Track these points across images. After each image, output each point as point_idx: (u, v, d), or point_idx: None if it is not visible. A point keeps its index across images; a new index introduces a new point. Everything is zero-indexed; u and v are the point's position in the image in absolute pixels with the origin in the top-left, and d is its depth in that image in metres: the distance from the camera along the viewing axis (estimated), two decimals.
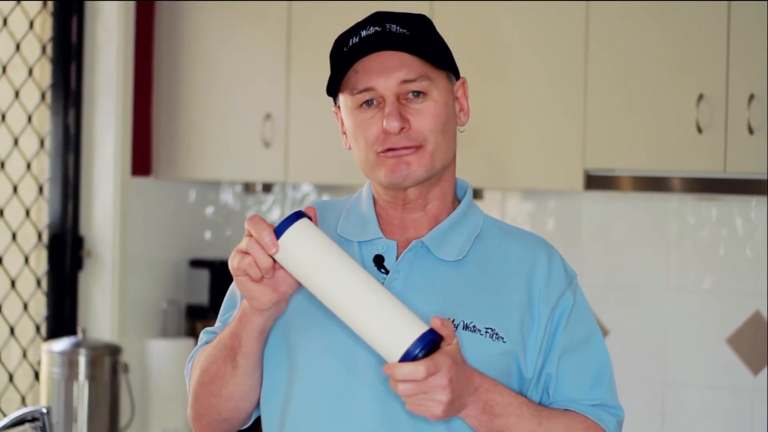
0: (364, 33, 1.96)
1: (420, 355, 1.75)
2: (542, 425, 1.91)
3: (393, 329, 1.77)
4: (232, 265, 1.86)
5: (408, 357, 1.75)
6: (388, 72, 1.94)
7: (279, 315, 1.94)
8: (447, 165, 2.00)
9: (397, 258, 1.99)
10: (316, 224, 1.86)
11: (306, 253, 1.81)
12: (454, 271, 1.98)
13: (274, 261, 1.84)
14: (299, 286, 1.89)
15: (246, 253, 1.84)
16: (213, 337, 2.09)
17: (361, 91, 1.95)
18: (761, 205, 3.50)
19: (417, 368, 1.74)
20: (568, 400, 1.97)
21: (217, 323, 2.11)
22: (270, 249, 1.82)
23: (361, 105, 1.96)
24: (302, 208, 1.86)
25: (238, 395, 2.00)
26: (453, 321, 1.93)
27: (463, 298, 1.95)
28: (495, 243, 2.02)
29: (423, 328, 1.76)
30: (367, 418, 1.92)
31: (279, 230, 1.82)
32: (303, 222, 1.82)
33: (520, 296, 1.97)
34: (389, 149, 1.94)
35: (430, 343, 1.75)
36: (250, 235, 1.84)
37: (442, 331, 1.77)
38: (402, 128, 1.93)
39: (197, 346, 2.12)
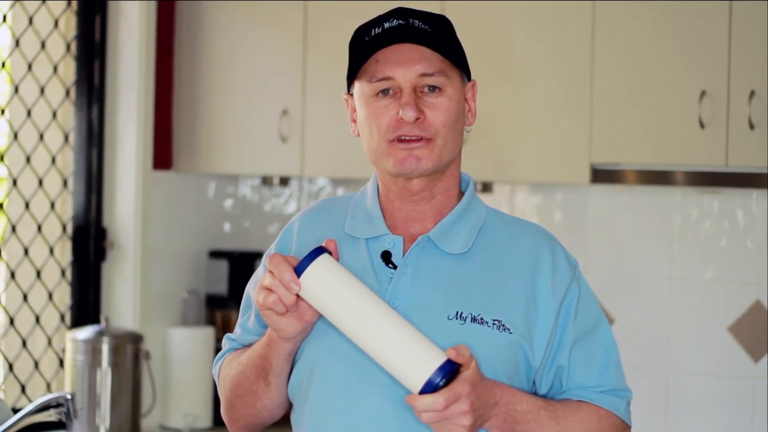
0: (387, 25, 1.98)
1: (440, 384, 1.79)
2: (559, 425, 1.95)
3: (413, 361, 1.81)
4: (258, 300, 1.89)
5: (428, 388, 1.79)
6: (408, 64, 1.96)
7: (306, 336, 1.98)
8: (453, 160, 2.02)
9: (404, 253, 2.01)
10: (336, 257, 1.89)
11: (326, 289, 1.86)
12: (460, 264, 2.00)
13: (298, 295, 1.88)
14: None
15: (270, 290, 1.88)
16: (236, 345, 2.12)
17: (380, 80, 1.97)
18: (762, 198, 3.51)
19: (437, 400, 1.78)
20: (578, 387, 2.01)
21: (237, 329, 2.13)
22: (292, 289, 1.86)
23: (378, 93, 1.98)
24: (322, 244, 1.89)
25: (272, 406, 2.05)
26: (461, 313, 1.96)
27: (470, 291, 1.98)
28: (498, 235, 2.03)
29: (441, 359, 1.81)
30: (380, 406, 1.94)
31: (300, 267, 1.86)
32: (323, 259, 1.86)
33: (524, 288, 1.99)
34: (401, 139, 1.96)
35: (448, 374, 1.80)
36: (273, 273, 1.87)
37: (459, 360, 1.81)
38: (417, 118, 1.95)
39: (222, 351, 2.15)
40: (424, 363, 1.80)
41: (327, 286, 1.86)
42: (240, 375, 2.04)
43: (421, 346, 1.82)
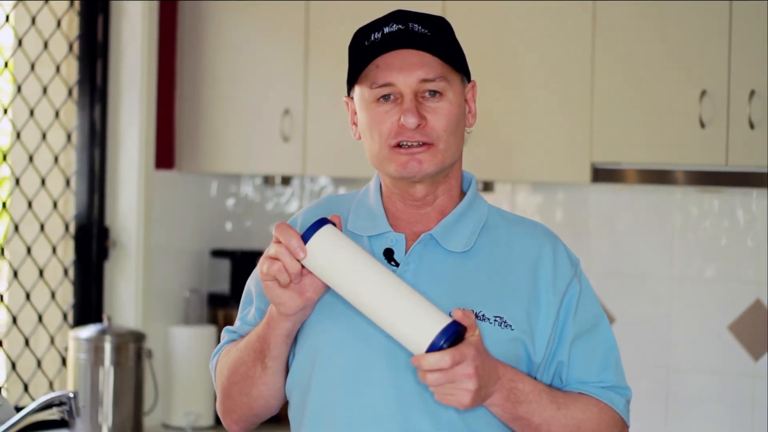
0: (386, 30, 1.98)
1: (445, 345, 1.79)
2: (560, 410, 1.96)
3: (418, 324, 1.82)
4: (262, 270, 1.90)
5: (434, 348, 1.80)
6: (409, 69, 1.97)
7: (305, 318, 1.99)
8: (455, 162, 2.03)
9: (406, 251, 2.02)
10: (340, 230, 1.91)
11: (332, 256, 1.86)
12: (463, 262, 2.01)
13: (302, 266, 1.89)
14: (324, 291, 1.93)
15: (275, 259, 1.88)
16: (235, 336, 2.12)
17: (380, 86, 1.97)
18: (762, 197, 3.51)
19: (443, 357, 1.79)
20: (579, 383, 2.02)
21: (237, 322, 2.14)
22: (298, 254, 1.87)
23: (379, 99, 1.98)
24: (326, 215, 1.91)
25: (267, 394, 2.05)
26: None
27: (471, 288, 1.99)
28: (500, 233, 2.05)
29: (446, 321, 1.81)
30: (382, 399, 1.96)
31: (306, 236, 1.87)
32: (328, 227, 1.88)
33: (526, 285, 2.00)
34: (402, 146, 1.97)
35: (454, 334, 1.80)
36: (279, 242, 1.88)
37: (465, 322, 1.82)
38: (419, 125, 1.96)
39: (220, 344, 2.15)
40: (429, 325, 1.82)
41: (332, 255, 1.87)
42: (237, 360, 2.05)
43: (427, 311, 1.83)
